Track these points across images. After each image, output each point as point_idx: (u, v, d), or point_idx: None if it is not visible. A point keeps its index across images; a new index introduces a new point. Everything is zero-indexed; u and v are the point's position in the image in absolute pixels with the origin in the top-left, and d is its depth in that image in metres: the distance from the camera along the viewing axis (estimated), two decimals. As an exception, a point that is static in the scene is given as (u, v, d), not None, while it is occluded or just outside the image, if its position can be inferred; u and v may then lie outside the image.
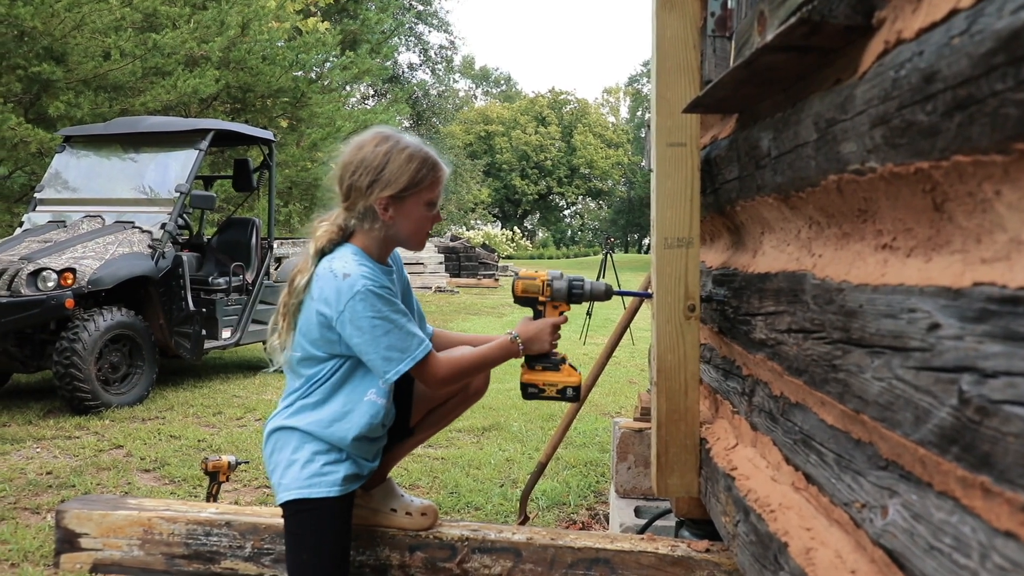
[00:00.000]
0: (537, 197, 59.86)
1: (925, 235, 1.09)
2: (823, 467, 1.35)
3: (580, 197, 64.30)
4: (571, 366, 2.14)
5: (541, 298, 2.12)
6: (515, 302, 2.16)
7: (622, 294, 2.22)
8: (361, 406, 1.98)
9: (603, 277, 11.28)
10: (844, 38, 1.20)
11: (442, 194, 2.08)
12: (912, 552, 1.01)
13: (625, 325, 3.37)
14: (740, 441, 1.85)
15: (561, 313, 2.12)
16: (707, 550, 2.08)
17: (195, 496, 4.32)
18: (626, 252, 58.52)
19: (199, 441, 5.44)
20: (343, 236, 2.06)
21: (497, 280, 22.66)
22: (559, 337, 2.12)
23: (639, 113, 67.03)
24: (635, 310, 3.34)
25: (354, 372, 1.98)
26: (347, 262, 1.95)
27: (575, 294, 2.12)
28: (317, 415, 1.96)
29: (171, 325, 6.92)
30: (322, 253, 2.04)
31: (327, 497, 1.93)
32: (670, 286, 2.03)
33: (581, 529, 3.90)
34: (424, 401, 2.19)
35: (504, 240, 38.22)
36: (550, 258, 47.10)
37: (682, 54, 2.00)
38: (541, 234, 64.12)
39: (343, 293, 1.89)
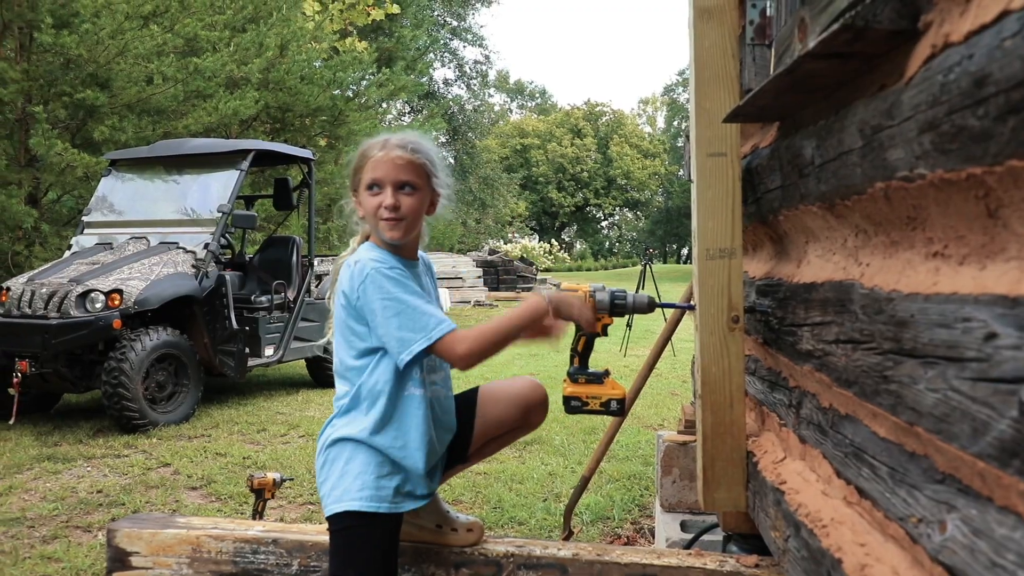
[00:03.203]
0: (574, 209, 59.83)
1: (978, 242, 1.06)
2: (876, 481, 1.32)
3: (617, 208, 64.17)
4: (614, 380, 2.13)
5: None
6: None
7: (664, 306, 2.20)
8: (404, 403, 1.95)
9: (643, 288, 11.22)
10: (889, 43, 1.17)
11: (383, 174, 1.95)
12: (973, 569, 0.99)
13: (667, 337, 3.34)
14: (788, 454, 1.82)
15: (604, 325, 2.11)
16: (756, 565, 2.05)
17: (241, 513, 4.35)
18: (664, 263, 58.22)
19: (244, 458, 5.48)
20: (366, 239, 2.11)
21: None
22: (597, 323, 2.08)
23: (675, 123, 66.84)
24: (677, 322, 3.31)
25: (388, 369, 1.95)
26: (359, 253, 1.97)
27: (618, 306, 2.10)
28: (367, 422, 1.94)
29: (215, 344, 7.00)
30: None
31: (378, 512, 1.91)
32: (713, 298, 2.01)
33: (626, 544, 3.86)
34: (484, 431, 2.17)
35: (542, 253, 38.21)
36: (588, 270, 46.99)
37: (720, 63, 1.99)
38: (579, 246, 64.01)
39: (355, 278, 1.90)
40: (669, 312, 3.00)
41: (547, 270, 35.50)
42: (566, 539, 3.48)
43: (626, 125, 63.06)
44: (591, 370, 2.10)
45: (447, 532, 2.18)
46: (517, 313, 1.97)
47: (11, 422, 6.37)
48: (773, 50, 1.84)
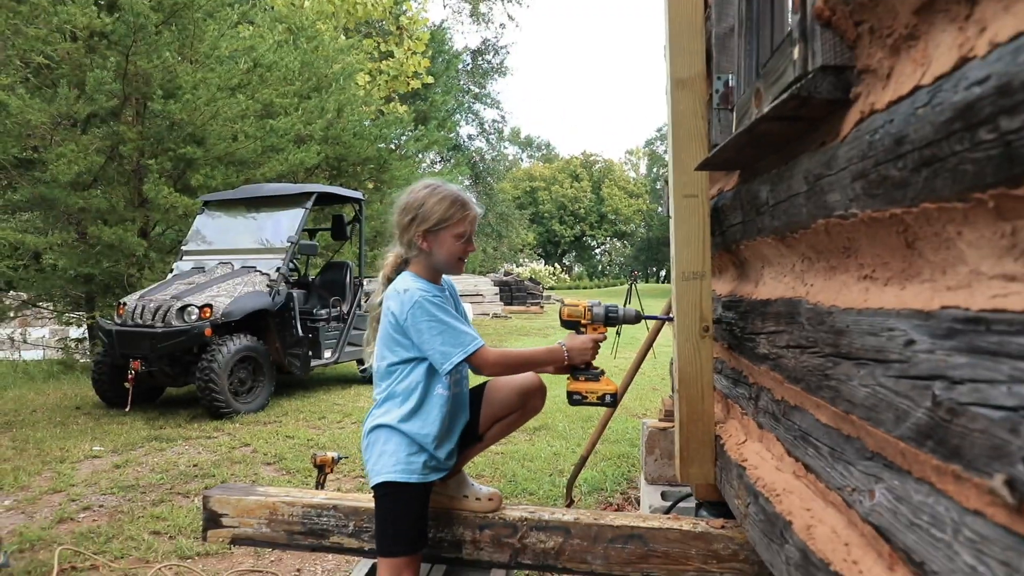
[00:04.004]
0: (573, 239, 59.74)
1: (899, 267, 1.07)
2: (819, 458, 1.33)
3: (608, 238, 63.99)
4: (608, 378, 2.13)
5: (583, 321, 2.11)
6: (562, 325, 2.14)
7: (648, 318, 2.19)
8: (431, 400, 1.97)
9: (629, 303, 11.18)
10: (827, 109, 1.19)
11: (472, 228, 2.05)
12: (896, 528, 0.99)
13: (650, 343, 3.34)
14: (749, 437, 1.82)
15: (600, 333, 2.11)
16: (722, 527, 2.04)
17: (306, 484, 4.36)
18: (647, 282, 57.93)
19: (308, 440, 5.49)
20: (402, 264, 2.09)
21: (542, 307, 22.58)
22: (598, 351, 2.10)
23: (655, 169, 66.62)
24: (657, 331, 3.31)
25: (422, 373, 1.97)
26: (406, 282, 1.98)
27: (611, 318, 2.11)
28: (400, 413, 1.96)
29: (285, 348, 7.03)
30: (389, 279, 2.08)
31: (408, 482, 1.93)
32: (688, 311, 2.01)
33: (617, 510, 3.85)
34: (490, 414, 2.17)
35: (547, 274, 38.11)
36: (584, 287, 46.83)
37: (692, 123, 2.00)
38: (577, 268, 63.79)
39: (405, 304, 1.91)
40: (651, 323, 3.00)
41: (551, 288, 35.44)
42: (568, 506, 3.47)
43: (615, 171, 62.97)
44: (590, 370, 2.10)
45: (471, 500, 2.18)
46: (540, 354, 2.06)
47: (127, 409, 6.43)
48: (735, 113, 1.85)
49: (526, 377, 2.14)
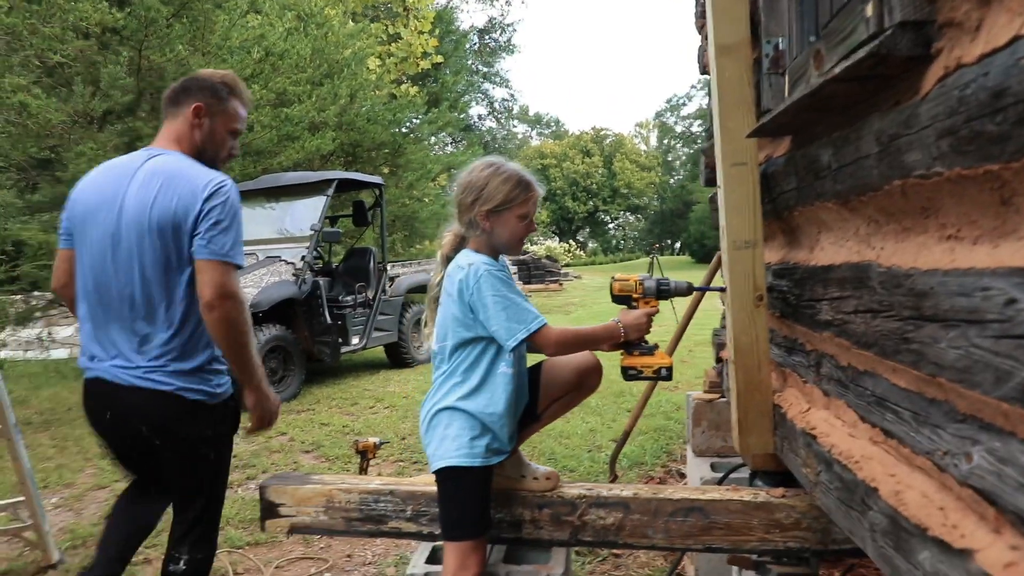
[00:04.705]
0: (586, 215, 59.50)
1: (991, 225, 1.05)
2: (901, 423, 1.31)
3: (621, 213, 63.70)
4: (662, 351, 2.11)
5: (635, 295, 2.09)
6: (613, 301, 2.12)
7: (701, 290, 2.17)
8: (496, 378, 1.96)
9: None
10: (904, 67, 1.16)
11: (535, 209, 2.04)
12: (1003, 490, 0.98)
13: (690, 315, 3.32)
14: (813, 405, 1.80)
15: (652, 307, 2.08)
16: (783, 496, 2.03)
17: (347, 470, 4.40)
18: (662, 255, 57.76)
19: (343, 426, 5.53)
20: (461, 243, 2.08)
21: (561, 284, 22.55)
22: (652, 325, 2.08)
23: (665, 141, 66.16)
24: (698, 303, 3.29)
25: (486, 352, 1.96)
26: (469, 257, 1.96)
27: (663, 291, 2.09)
28: (463, 392, 1.95)
29: (314, 336, 7.06)
30: (448, 259, 2.06)
31: (472, 466, 1.93)
32: (741, 280, 1.99)
33: (659, 483, 3.85)
34: (548, 393, 2.17)
35: (562, 252, 38.01)
36: (601, 263, 46.67)
37: (739, 90, 1.96)
38: (591, 244, 63.63)
39: (470, 278, 1.89)
40: (683, 302, 2.96)
41: (568, 265, 35.34)
42: (612, 482, 3.48)
43: (625, 145, 62.49)
44: (643, 345, 2.08)
45: (529, 480, 2.18)
46: (598, 332, 2.04)
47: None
48: (787, 77, 1.81)
49: (583, 356, 2.13)
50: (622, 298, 2.10)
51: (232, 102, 2.13)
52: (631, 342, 2.05)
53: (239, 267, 1.95)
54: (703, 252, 42.32)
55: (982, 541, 1.01)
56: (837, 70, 1.22)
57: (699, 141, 56.22)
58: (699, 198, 42.79)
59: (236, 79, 2.18)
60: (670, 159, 64.95)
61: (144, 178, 1.98)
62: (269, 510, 2.30)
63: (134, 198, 1.96)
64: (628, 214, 65.45)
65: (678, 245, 60.46)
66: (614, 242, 67.79)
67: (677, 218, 55.77)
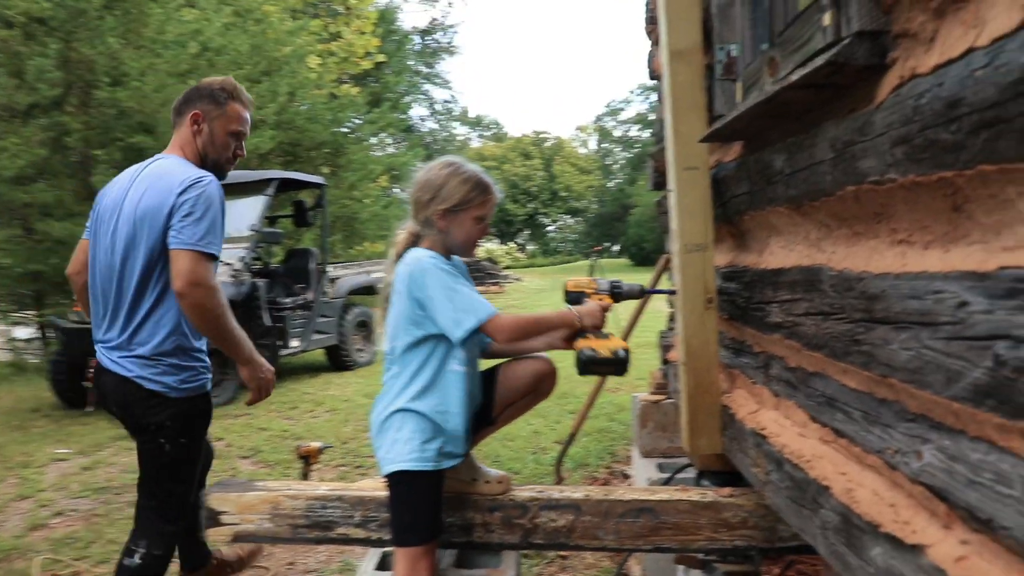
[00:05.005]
0: (526, 217, 59.72)
1: (942, 231, 1.08)
2: (851, 423, 1.34)
3: (561, 215, 64.23)
4: (617, 337, 2.07)
5: (589, 291, 2.09)
6: (566, 300, 2.12)
7: (652, 292, 2.19)
8: (447, 377, 1.94)
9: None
10: (859, 76, 1.19)
11: (491, 212, 2.04)
12: (954, 487, 1.01)
13: (635, 318, 3.36)
14: (762, 406, 1.83)
15: (606, 303, 2.08)
16: (731, 495, 2.07)
17: (287, 476, 4.31)
18: (601, 258, 58.39)
19: (283, 431, 5.42)
20: (415, 241, 2.06)
21: (502, 287, 22.57)
22: (606, 320, 2.07)
23: (604, 145, 66.91)
24: (644, 305, 3.32)
25: (436, 351, 1.93)
26: (417, 253, 1.95)
27: (616, 293, 2.10)
28: (414, 391, 1.92)
29: (252, 339, 6.86)
30: (400, 257, 2.04)
31: (424, 470, 1.90)
32: (692, 283, 2.02)
33: (604, 484, 3.88)
34: (504, 396, 2.15)
35: (503, 254, 38.12)
36: (540, 266, 46.89)
37: (692, 94, 1.99)
38: (531, 247, 63.96)
39: (415, 272, 1.87)
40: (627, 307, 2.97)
41: (508, 267, 35.47)
42: (558, 484, 3.49)
43: (565, 148, 63.00)
44: (599, 332, 2.04)
45: (481, 484, 2.16)
46: (552, 317, 2.00)
47: (88, 409, 6.22)
48: (740, 83, 1.85)
49: (539, 360, 2.13)
50: (575, 294, 2.09)
51: (230, 105, 2.27)
52: (585, 329, 2.02)
53: (212, 256, 2.06)
54: (642, 255, 42.88)
55: (933, 536, 1.04)
56: (794, 77, 1.25)
57: (637, 145, 57.08)
58: (638, 201, 43.34)
59: (234, 83, 2.32)
60: (609, 163, 65.74)
61: (140, 180, 2.16)
62: (211, 518, 2.22)
63: (130, 199, 2.14)
64: (567, 217, 65.99)
65: (617, 248, 61.28)
66: (553, 245, 68.28)
67: (616, 221, 56.46)
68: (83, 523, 3.65)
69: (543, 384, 2.19)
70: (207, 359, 2.28)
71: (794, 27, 1.39)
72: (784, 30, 1.46)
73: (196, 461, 2.27)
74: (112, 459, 4.81)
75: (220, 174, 2.30)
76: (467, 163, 2.02)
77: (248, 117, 2.34)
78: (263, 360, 2.23)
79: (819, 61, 1.16)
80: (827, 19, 1.19)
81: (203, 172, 2.13)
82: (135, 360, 2.10)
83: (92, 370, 5.98)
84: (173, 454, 2.17)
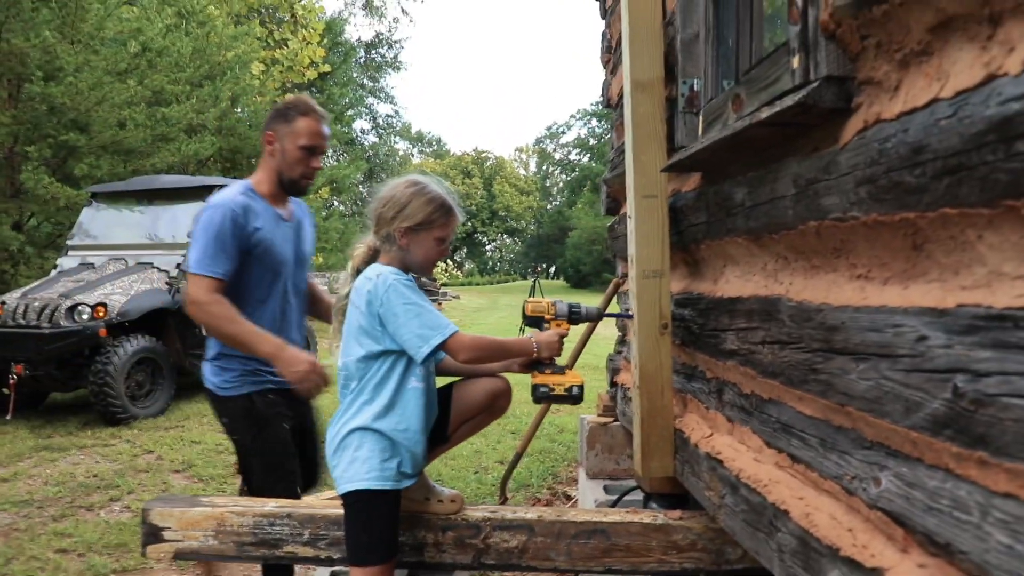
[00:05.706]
0: (465, 235, 59.89)
1: (900, 268, 1.13)
2: (807, 449, 1.38)
3: (499, 235, 64.61)
4: (574, 372, 2.12)
5: (547, 316, 2.11)
6: (524, 323, 2.14)
7: (609, 315, 2.22)
8: (406, 394, 1.93)
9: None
10: (826, 117, 1.25)
11: (452, 234, 2.05)
12: (912, 512, 1.05)
13: (584, 341, 3.39)
14: (716, 431, 1.87)
15: (564, 329, 2.11)
16: (680, 518, 2.11)
17: (222, 491, 4.18)
18: (538, 279, 58.76)
19: (217, 444, 5.26)
20: (373, 256, 2.05)
21: (440, 304, 22.46)
22: (563, 347, 2.11)
23: (544, 167, 67.62)
24: (592, 329, 3.36)
25: (395, 367, 1.92)
26: (378, 268, 1.94)
27: (575, 316, 2.12)
28: (374, 410, 1.90)
29: (186, 349, 6.69)
30: (358, 271, 2.02)
31: (383, 489, 1.89)
32: (648, 309, 2.06)
33: (546, 505, 3.89)
34: (460, 414, 2.15)
35: (440, 271, 38.02)
36: (477, 284, 46.96)
37: (652, 125, 2.05)
38: (468, 265, 63.99)
39: (379, 288, 1.86)
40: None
41: (445, 284, 35.39)
42: (502, 504, 3.49)
43: (505, 168, 63.57)
44: (554, 365, 2.09)
45: (434, 503, 2.15)
46: (511, 343, 2.05)
47: (8, 417, 5.93)
48: (702, 117, 1.91)
49: (495, 380, 2.14)
50: (534, 319, 2.12)
51: (299, 121, 2.31)
52: (542, 360, 2.06)
53: (206, 276, 2.17)
54: (578, 277, 43.39)
55: (891, 560, 1.09)
56: (763, 114, 1.30)
57: (577, 170, 57.78)
58: (576, 224, 43.90)
59: (307, 100, 2.38)
60: (548, 185, 66.47)
61: None
62: (152, 534, 2.15)
63: None
64: (505, 236, 66.38)
65: (553, 269, 61.81)
66: (491, 264, 68.50)
67: (553, 243, 56.99)
68: (2, 538, 3.46)
69: (498, 402, 2.19)
70: (254, 363, 2.29)
71: (762, 67, 1.45)
72: (751, 69, 1.52)
73: (268, 456, 2.35)
74: (33, 471, 4.58)
75: (297, 191, 2.40)
76: (432, 183, 2.02)
77: (323, 130, 2.37)
78: (297, 352, 2.21)
79: (789, 101, 1.22)
80: (796, 62, 1.25)
81: (220, 198, 2.26)
82: (205, 364, 2.37)
83: (15, 376, 5.71)
84: (243, 448, 2.36)
